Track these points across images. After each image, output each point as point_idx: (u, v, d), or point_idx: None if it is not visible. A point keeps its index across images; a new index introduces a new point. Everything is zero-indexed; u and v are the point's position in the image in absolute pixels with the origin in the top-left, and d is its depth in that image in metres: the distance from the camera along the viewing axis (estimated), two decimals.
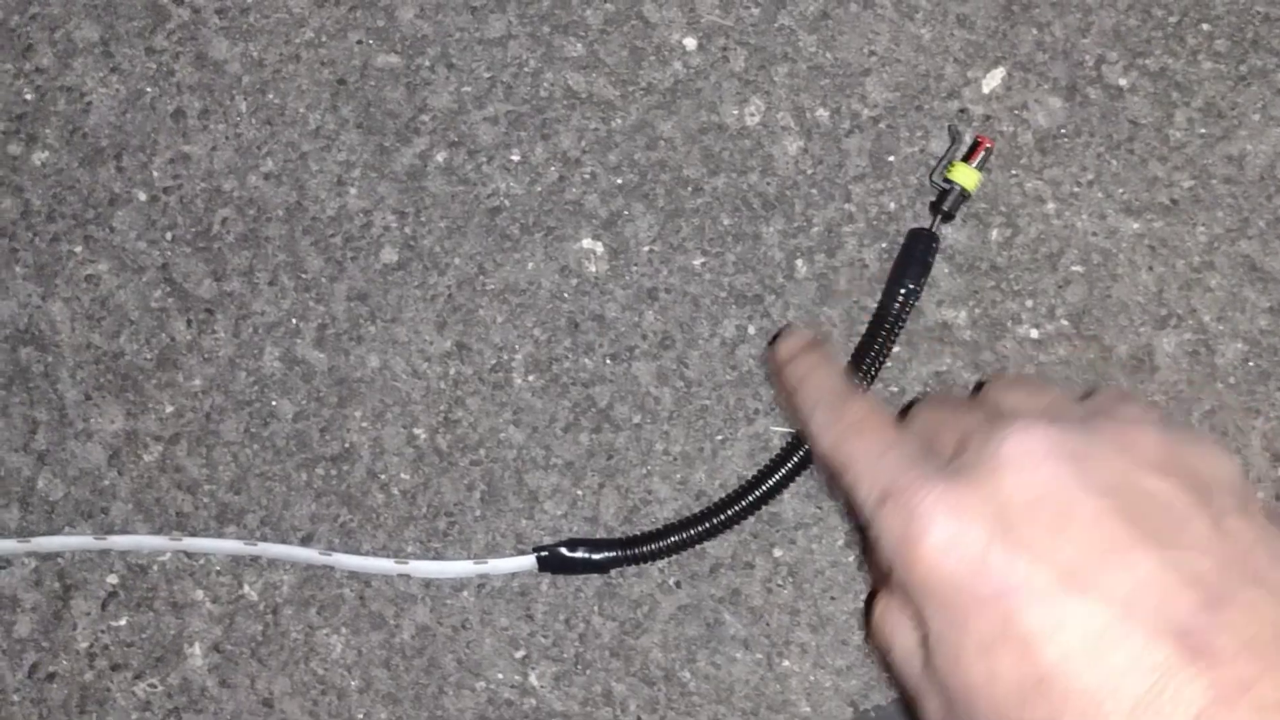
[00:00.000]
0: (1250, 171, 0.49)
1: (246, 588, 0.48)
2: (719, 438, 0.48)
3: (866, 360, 0.47)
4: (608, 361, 0.49)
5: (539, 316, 0.49)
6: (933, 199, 0.48)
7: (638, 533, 0.47)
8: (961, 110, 0.49)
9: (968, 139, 0.48)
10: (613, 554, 0.46)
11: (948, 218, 0.47)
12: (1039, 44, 0.50)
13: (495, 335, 0.49)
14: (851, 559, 0.48)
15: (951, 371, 0.48)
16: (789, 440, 0.47)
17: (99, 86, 0.51)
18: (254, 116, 0.51)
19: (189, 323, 0.49)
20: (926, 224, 0.48)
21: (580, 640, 0.48)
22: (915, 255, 0.47)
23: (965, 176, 0.47)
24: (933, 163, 0.49)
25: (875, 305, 0.48)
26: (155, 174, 0.50)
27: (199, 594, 0.48)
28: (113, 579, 0.49)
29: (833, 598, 0.47)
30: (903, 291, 0.47)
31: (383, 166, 0.50)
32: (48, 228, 0.50)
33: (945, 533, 0.32)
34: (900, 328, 0.47)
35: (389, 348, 0.49)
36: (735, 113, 0.50)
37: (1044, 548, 0.32)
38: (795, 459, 0.46)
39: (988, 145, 0.47)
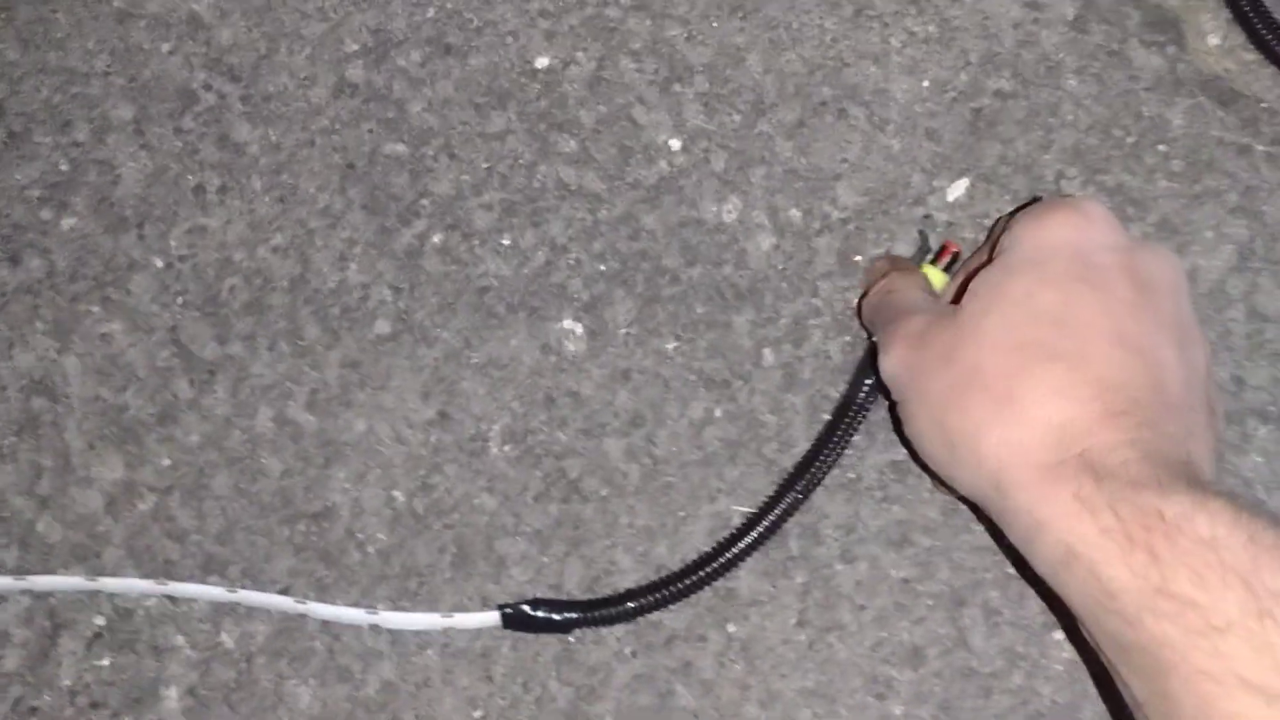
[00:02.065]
0: (1202, 285, 0.51)
1: (224, 635, 0.51)
2: (681, 514, 0.50)
3: (829, 447, 0.49)
4: (580, 436, 0.51)
5: (518, 390, 0.52)
6: None
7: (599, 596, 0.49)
8: (926, 215, 0.52)
9: (934, 243, 0.51)
10: (574, 615, 0.48)
11: None
12: (1002, 158, 0.53)
13: (476, 406, 0.52)
14: (802, 637, 0.49)
15: (906, 460, 0.50)
16: (748, 518, 0.49)
17: (128, 161, 0.55)
18: (268, 194, 0.54)
19: (191, 382, 0.53)
20: None
21: (536, 704, 0.49)
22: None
23: (933, 279, 0.50)
24: None
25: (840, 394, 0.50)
26: (173, 243, 0.54)
27: (179, 639, 0.51)
28: (100, 620, 0.51)
29: (782, 674, 0.49)
30: (867, 383, 0.49)
31: (383, 245, 0.53)
32: (69, 288, 0.54)
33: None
34: (863, 418, 0.49)
35: (375, 413, 0.52)
36: (714, 209, 0.53)
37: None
38: (752, 536, 0.48)
39: (955, 250, 0.50)
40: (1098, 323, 0.38)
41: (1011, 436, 0.37)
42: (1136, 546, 0.33)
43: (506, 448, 0.52)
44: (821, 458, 0.49)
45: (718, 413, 0.51)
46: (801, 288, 0.52)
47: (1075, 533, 0.35)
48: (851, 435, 0.49)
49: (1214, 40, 0.53)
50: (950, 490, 0.43)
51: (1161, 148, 0.52)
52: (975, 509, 0.46)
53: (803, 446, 0.51)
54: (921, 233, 0.52)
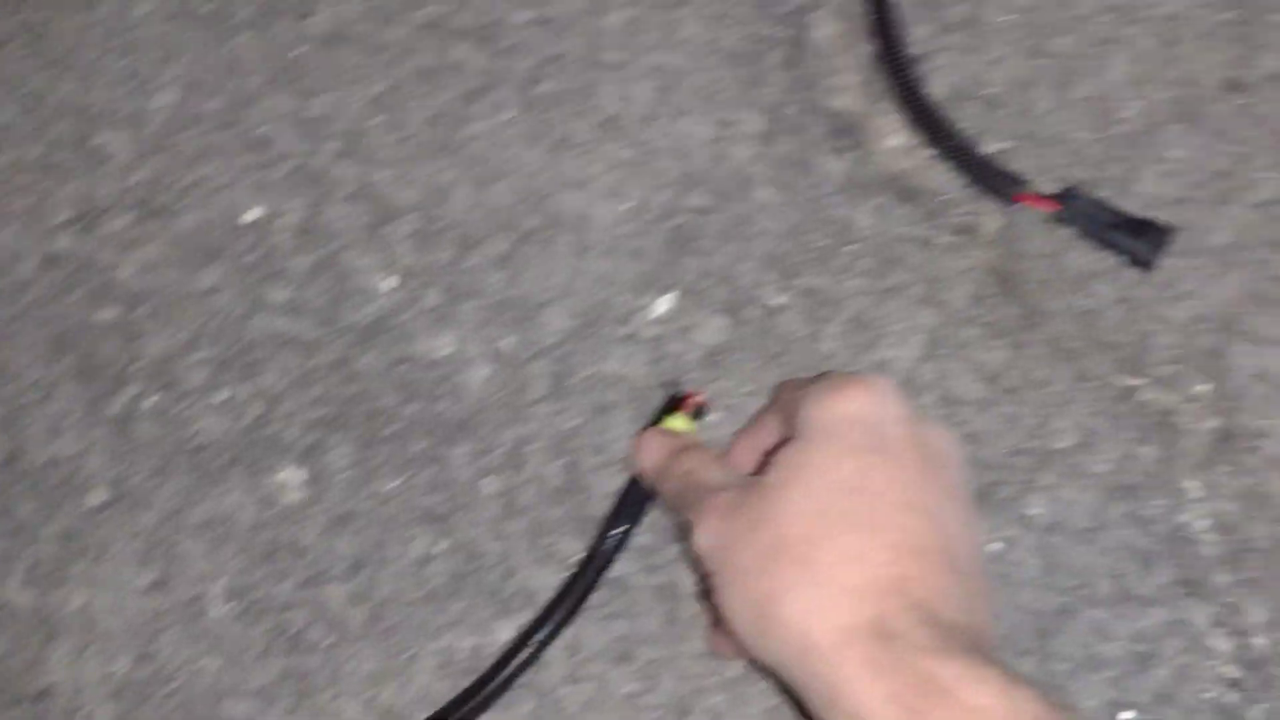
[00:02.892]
0: (895, 375, 0.53)
1: None
2: (408, 654, 0.50)
3: (576, 592, 0.49)
4: (302, 587, 0.51)
5: (238, 547, 0.52)
6: None
7: None
8: (633, 334, 0.54)
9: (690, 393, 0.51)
10: None
11: None
12: (704, 271, 0.54)
13: (195, 568, 0.51)
14: None
15: (624, 576, 0.50)
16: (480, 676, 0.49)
17: None
18: None
19: None
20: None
21: None
22: (631, 500, 0.50)
23: (681, 426, 0.50)
24: (608, 383, 0.53)
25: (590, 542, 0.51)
26: None
27: None
28: None
29: None
30: (617, 533, 0.50)
31: (95, 413, 0.53)
32: None
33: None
34: (609, 566, 0.50)
35: (93, 585, 0.51)
36: (428, 345, 0.54)
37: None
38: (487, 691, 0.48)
39: (698, 399, 0.51)
40: (892, 491, 0.40)
41: (813, 601, 0.39)
42: (915, 713, 0.35)
43: (228, 607, 0.51)
44: (570, 605, 0.49)
45: (439, 548, 0.51)
46: (517, 415, 0.53)
47: (863, 701, 0.36)
48: (593, 590, 0.50)
49: (893, 142, 0.56)
50: (740, 654, 0.44)
51: (851, 248, 0.55)
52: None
53: (526, 573, 0.51)
54: (666, 383, 0.52)
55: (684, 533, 0.46)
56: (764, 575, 0.40)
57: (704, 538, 0.43)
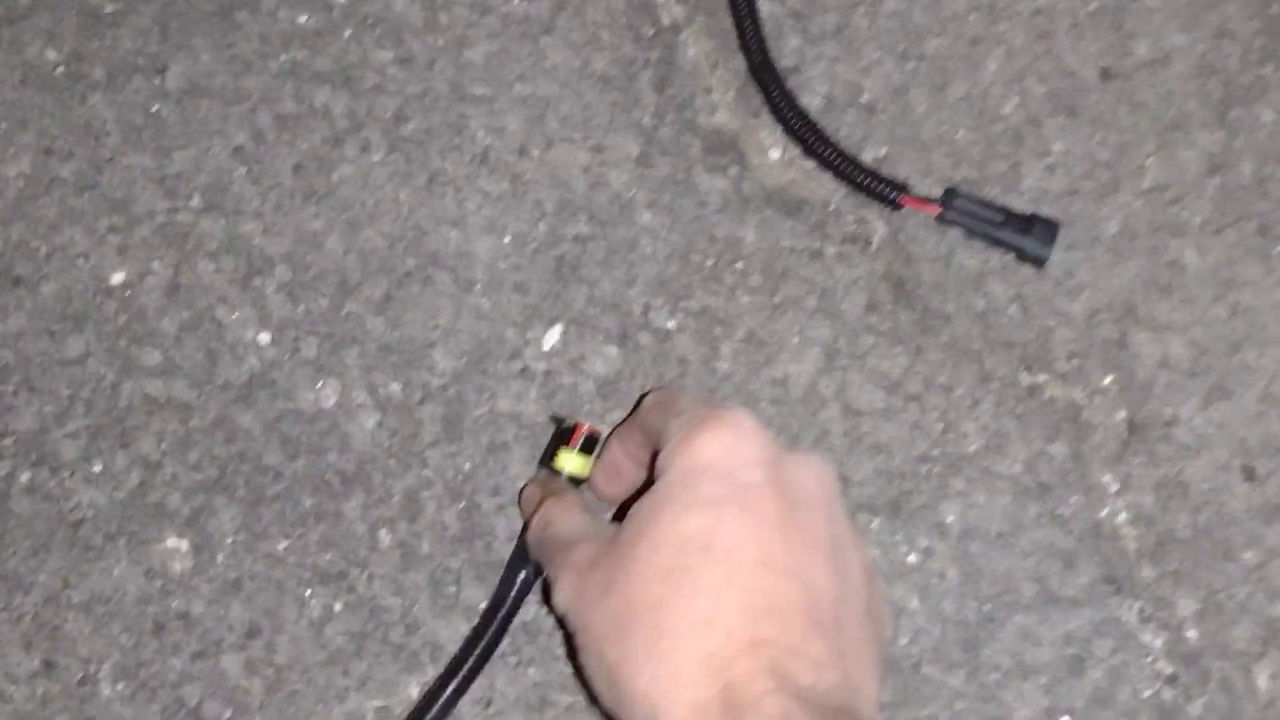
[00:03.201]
0: (795, 391, 0.52)
1: None
2: None
3: (483, 643, 0.47)
4: (195, 659, 0.49)
5: (125, 622, 0.49)
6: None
7: None
8: (524, 369, 0.52)
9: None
10: None
11: None
12: (590, 299, 0.53)
13: (82, 648, 0.49)
14: None
15: (535, 620, 0.49)
16: None
17: None
18: None
19: None
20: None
21: None
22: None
23: (571, 463, 0.48)
24: (502, 421, 0.51)
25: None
26: None
27: None
28: None
29: None
30: (520, 578, 0.48)
31: None
32: None
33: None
34: (515, 613, 0.48)
35: None
36: (311, 397, 0.52)
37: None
38: None
39: (585, 430, 0.49)
40: (746, 548, 0.38)
41: (661, 673, 0.36)
42: None
43: (119, 686, 0.49)
44: (479, 654, 0.47)
45: (338, 607, 0.50)
46: (410, 461, 0.51)
47: None
48: (501, 639, 0.48)
49: (774, 154, 0.55)
50: None
51: (739, 265, 0.54)
52: None
53: (430, 626, 0.49)
54: (554, 417, 0.51)
55: (545, 590, 0.44)
56: (616, 642, 0.38)
57: (562, 597, 0.41)
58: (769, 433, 0.40)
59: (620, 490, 0.46)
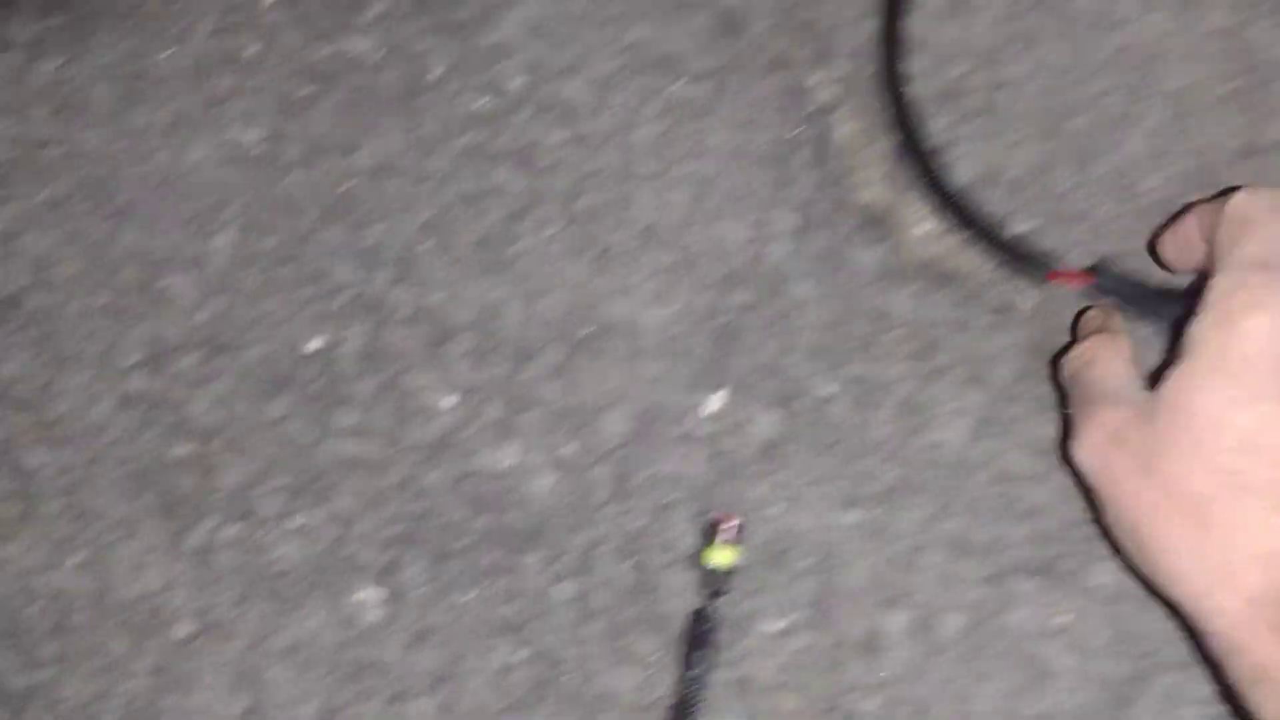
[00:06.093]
0: (948, 456, 0.54)
1: None
2: None
3: None
4: (388, 704, 0.52)
5: (324, 669, 0.53)
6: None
7: None
8: (688, 433, 0.55)
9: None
10: None
11: (717, 595, 0.52)
12: (752, 366, 0.56)
13: (284, 693, 0.53)
14: None
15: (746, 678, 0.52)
16: None
17: None
18: (63, 516, 0.56)
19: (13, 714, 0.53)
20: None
21: None
22: (697, 636, 0.52)
23: (719, 557, 0.52)
24: (668, 483, 0.55)
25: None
26: None
27: None
28: None
29: None
30: (692, 675, 0.51)
31: (176, 546, 0.55)
32: None
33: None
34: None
35: (187, 717, 0.53)
36: (492, 458, 0.56)
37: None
38: None
39: (725, 522, 0.52)
40: None
41: (1209, 568, 0.39)
42: None
43: None
44: None
45: (519, 656, 0.53)
46: (584, 519, 0.55)
47: (1271, 656, 0.37)
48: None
49: (923, 229, 0.58)
50: None
51: (892, 334, 0.56)
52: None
53: (606, 676, 0.52)
54: (705, 525, 0.54)
55: (1065, 426, 0.46)
56: (1153, 526, 0.40)
57: (1085, 455, 0.42)
58: None
59: (1186, 263, 0.47)
